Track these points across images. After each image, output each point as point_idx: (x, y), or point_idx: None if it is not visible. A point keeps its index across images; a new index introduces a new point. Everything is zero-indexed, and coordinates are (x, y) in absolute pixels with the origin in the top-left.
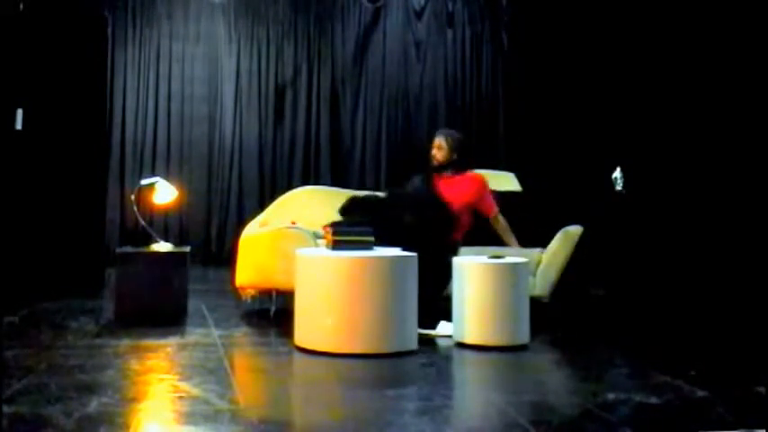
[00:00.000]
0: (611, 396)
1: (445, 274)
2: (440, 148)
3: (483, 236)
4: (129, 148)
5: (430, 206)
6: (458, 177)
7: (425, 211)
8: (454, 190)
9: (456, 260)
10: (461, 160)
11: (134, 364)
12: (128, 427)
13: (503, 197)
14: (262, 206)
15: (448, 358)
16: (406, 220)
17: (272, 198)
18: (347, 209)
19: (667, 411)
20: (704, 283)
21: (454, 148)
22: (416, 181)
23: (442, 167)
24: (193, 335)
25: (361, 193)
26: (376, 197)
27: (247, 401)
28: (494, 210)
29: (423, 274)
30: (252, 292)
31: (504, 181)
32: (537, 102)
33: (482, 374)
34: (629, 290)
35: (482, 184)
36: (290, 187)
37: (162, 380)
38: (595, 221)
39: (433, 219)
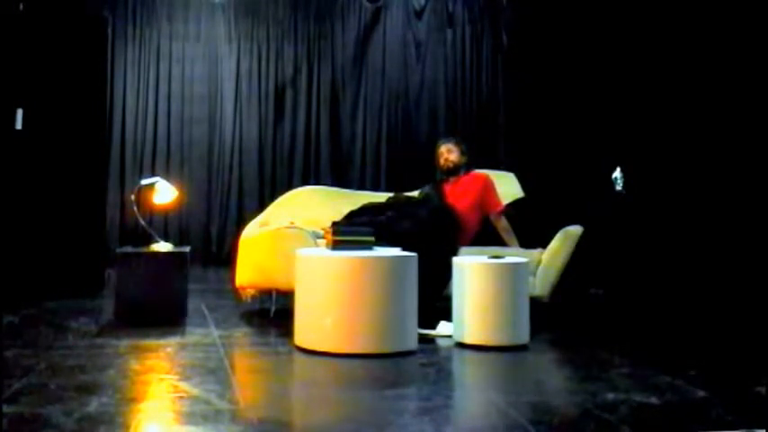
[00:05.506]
0: (611, 396)
1: (445, 274)
2: (450, 152)
3: (483, 236)
4: (129, 149)
5: (435, 212)
6: (464, 178)
7: (429, 217)
8: (461, 190)
9: (456, 260)
10: (470, 163)
11: (134, 364)
12: (128, 427)
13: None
14: (262, 206)
15: (448, 358)
16: (405, 226)
17: (272, 198)
18: (353, 214)
19: (667, 411)
20: (704, 283)
21: (464, 152)
22: (426, 189)
23: (456, 170)
24: (193, 335)
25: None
26: (381, 203)
27: (247, 401)
28: (499, 207)
29: (423, 275)
30: (252, 292)
31: (505, 181)
32: (537, 102)
33: (482, 374)
34: (629, 290)
35: (486, 179)
36: (290, 187)
37: (162, 380)
38: (595, 221)
39: (436, 225)
